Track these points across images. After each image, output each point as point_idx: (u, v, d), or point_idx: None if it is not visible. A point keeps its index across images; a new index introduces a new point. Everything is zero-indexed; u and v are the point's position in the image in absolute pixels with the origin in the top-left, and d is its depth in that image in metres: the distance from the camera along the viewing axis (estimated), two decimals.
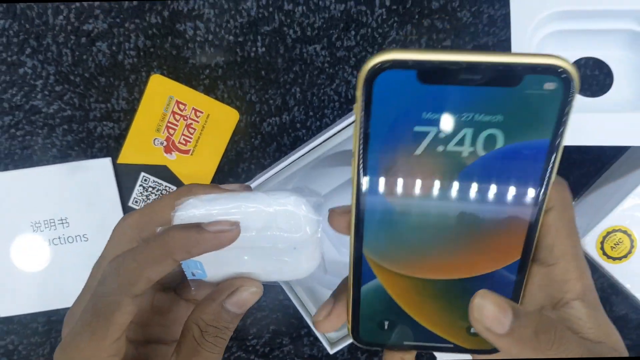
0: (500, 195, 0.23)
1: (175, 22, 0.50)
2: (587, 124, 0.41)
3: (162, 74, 0.51)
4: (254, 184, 0.44)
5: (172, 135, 0.51)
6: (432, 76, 0.21)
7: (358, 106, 0.22)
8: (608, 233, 0.43)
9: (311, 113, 0.52)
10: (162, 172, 0.52)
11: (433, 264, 0.25)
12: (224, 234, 0.25)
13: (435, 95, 0.21)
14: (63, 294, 0.52)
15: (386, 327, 0.27)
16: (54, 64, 0.51)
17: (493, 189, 0.23)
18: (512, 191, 0.23)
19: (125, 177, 0.52)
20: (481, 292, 0.23)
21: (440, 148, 0.22)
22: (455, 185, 0.23)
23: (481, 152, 0.22)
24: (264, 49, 0.51)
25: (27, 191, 0.51)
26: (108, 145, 0.52)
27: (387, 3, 0.50)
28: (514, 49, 0.43)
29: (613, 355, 0.24)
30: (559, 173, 0.23)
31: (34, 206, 0.52)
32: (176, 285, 0.32)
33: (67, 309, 0.29)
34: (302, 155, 0.44)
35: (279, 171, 0.44)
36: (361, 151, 0.22)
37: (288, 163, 0.44)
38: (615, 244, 0.43)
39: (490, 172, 0.23)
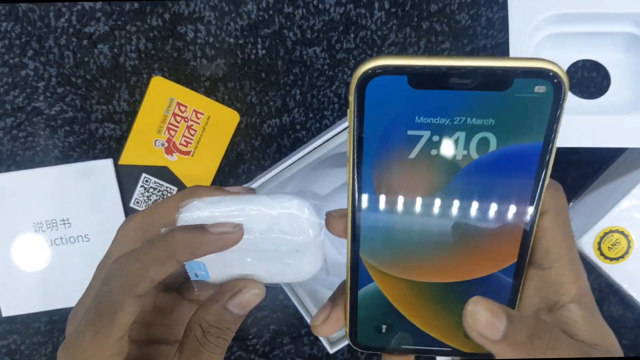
0: (495, 199, 0.23)
1: (176, 24, 0.51)
2: (585, 126, 0.42)
3: (163, 76, 0.51)
4: (254, 185, 0.45)
5: (173, 136, 0.52)
6: (423, 81, 0.21)
7: (351, 111, 0.22)
8: (605, 234, 0.44)
9: (311, 115, 0.52)
10: (163, 173, 0.53)
11: (430, 267, 0.25)
12: (227, 236, 0.26)
13: (427, 100, 0.21)
14: (65, 293, 0.52)
15: (384, 330, 0.27)
16: (56, 66, 0.51)
17: (487, 192, 0.23)
18: (506, 194, 0.23)
19: (127, 178, 0.53)
20: (474, 299, 0.23)
21: (434, 151, 0.22)
22: (450, 188, 0.23)
23: (475, 155, 0.22)
24: (264, 51, 0.51)
25: (29, 192, 0.52)
26: (109, 146, 0.52)
27: (386, 6, 0.51)
28: (512, 51, 0.43)
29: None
30: (556, 174, 0.23)
31: (36, 207, 0.52)
32: (179, 285, 0.32)
33: (69, 308, 0.29)
34: (302, 156, 0.44)
35: (279, 172, 0.45)
36: (355, 155, 0.23)
37: (288, 164, 0.44)
38: (612, 245, 0.44)
39: (484, 175, 0.23)
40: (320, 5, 0.51)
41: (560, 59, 0.48)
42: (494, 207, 0.24)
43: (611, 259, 0.44)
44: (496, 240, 0.24)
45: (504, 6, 0.50)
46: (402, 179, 0.23)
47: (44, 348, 0.54)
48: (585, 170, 0.52)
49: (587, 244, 0.44)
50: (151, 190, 0.53)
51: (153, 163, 0.52)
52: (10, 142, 0.52)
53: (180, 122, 0.52)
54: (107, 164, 0.52)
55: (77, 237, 0.52)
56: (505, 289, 0.25)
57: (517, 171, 0.23)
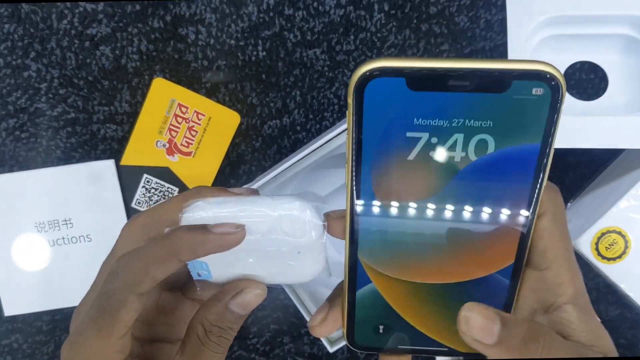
0: (493, 200, 0.23)
1: (178, 26, 0.51)
2: (582, 127, 0.42)
3: (165, 77, 0.52)
4: (254, 185, 0.45)
5: (174, 137, 0.52)
6: (421, 83, 0.21)
7: (350, 113, 0.22)
8: (603, 234, 0.44)
9: (311, 116, 0.53)
10: (165, 174, 0.53)
11: (427, 268, 0.25)
12: (229, 236, 0.26)
13: (425, 102, 0.21)
14: (67, 293, 0.52)
15: (381, 331, 0.27)
16: (58, 68, 0.51)
17: (486, 194, 0.23)
18: (504, 196, 0.23)
19: (128, 179, 0.53)
20: (468, 305, 0.23)
21: (433, 153, 0.22)
22: (448, 189, 0.23)
23: (473, 157, 0.22)
24: (264, 53, 0.52)
25: (32, 192, 0.52)
26: (111, 147, 0.53)
27: (386, 8, 0.51)
28: (510, 53, 0.43)
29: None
30: (554, 176, 0.23)
31: (38, 207, 0.52)
32: (182, 284, 0.32)
33: (70, 308, 0.30)
34: (303, 157, 0.44)
35: (280, 173, 0.45)
36: (354, 157, 0.23)
37: (288, 165, 0.44)
38: (609, 245, 0.44)
39: (482, 176, 0.23)
40: (320, 7, 0.51)
41: (558, 61, 0.48)
42: (492, 209, 0.24)
43: (609, 259, 0.44)
44: (494, 241, 0.24)
45: (502, 8, 0.51)
46: (401, 181, 0.23)
47: (45, 347, 0.54)
48: (583, 171, 0.52)
49: (585, 244, 0.44)
50: (152, 190, 0.53)
51: (154, 164, 0.53)
52: (13, 143, 0.52)
53: (182, 123, 0.52)
54: (109, 165, 0.52)
55: (79, 237, 0.53)
56: (503, 290, 0.25)
57: (515, 173, 0.23)
